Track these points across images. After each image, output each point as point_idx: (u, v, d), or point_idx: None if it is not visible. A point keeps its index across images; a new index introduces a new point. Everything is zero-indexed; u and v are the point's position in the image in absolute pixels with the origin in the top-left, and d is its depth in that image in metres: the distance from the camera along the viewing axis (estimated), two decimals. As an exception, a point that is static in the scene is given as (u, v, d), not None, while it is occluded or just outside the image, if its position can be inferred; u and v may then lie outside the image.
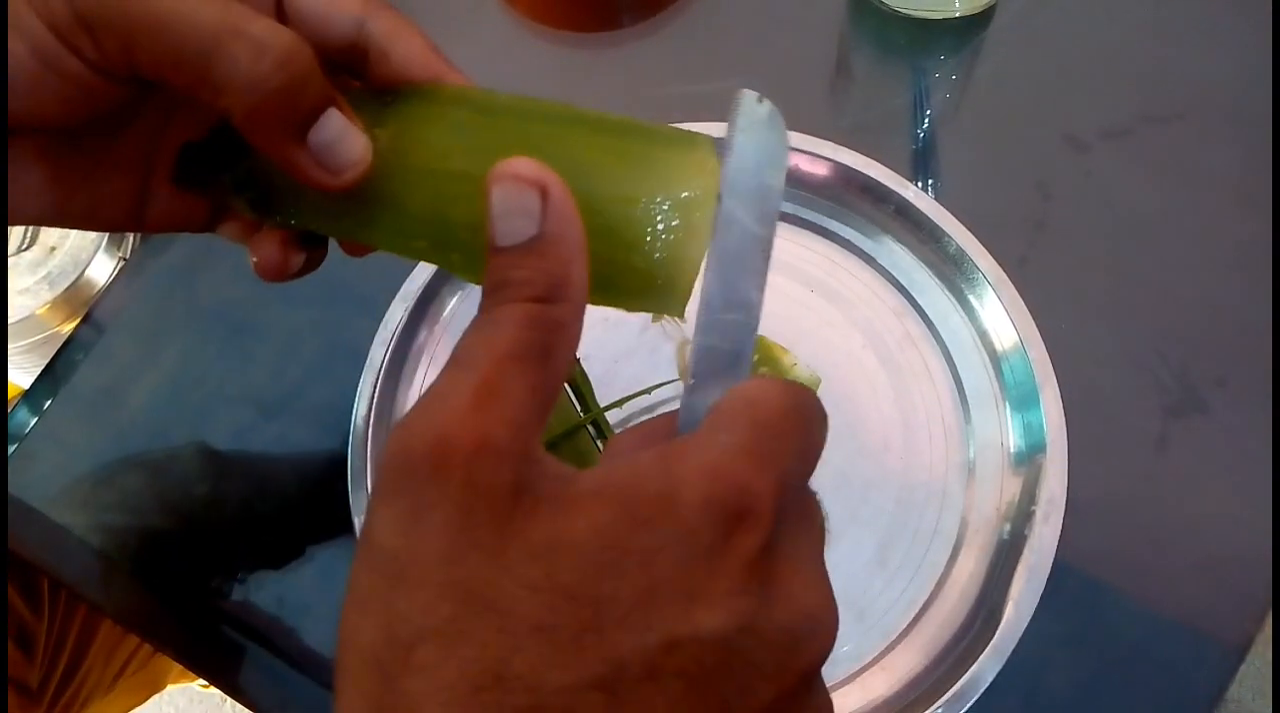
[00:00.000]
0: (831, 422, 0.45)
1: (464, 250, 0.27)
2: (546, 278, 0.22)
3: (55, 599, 0.61)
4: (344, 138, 0.25)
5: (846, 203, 0.50)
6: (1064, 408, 0.44)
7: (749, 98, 0.24)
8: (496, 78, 0.59)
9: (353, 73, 0.29)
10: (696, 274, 0.25)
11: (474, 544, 0.19)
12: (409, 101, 0.28)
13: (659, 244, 0.25)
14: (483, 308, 0.22)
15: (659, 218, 0.25)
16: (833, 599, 0.21)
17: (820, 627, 0.21)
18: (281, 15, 0.27)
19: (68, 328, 0.56)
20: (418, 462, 0.19)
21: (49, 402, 0.52)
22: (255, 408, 0.50)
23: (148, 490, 0.50)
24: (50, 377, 0.53)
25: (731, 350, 0.24)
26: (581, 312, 0.23)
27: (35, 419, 0.51)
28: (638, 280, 0.26)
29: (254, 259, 0.30)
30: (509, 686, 0.18)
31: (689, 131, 0.27)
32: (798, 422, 0.22)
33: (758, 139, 0.23)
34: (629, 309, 0.27)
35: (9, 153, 0.26)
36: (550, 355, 0.21)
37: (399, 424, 0.20)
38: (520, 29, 0.61)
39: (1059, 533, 0.41)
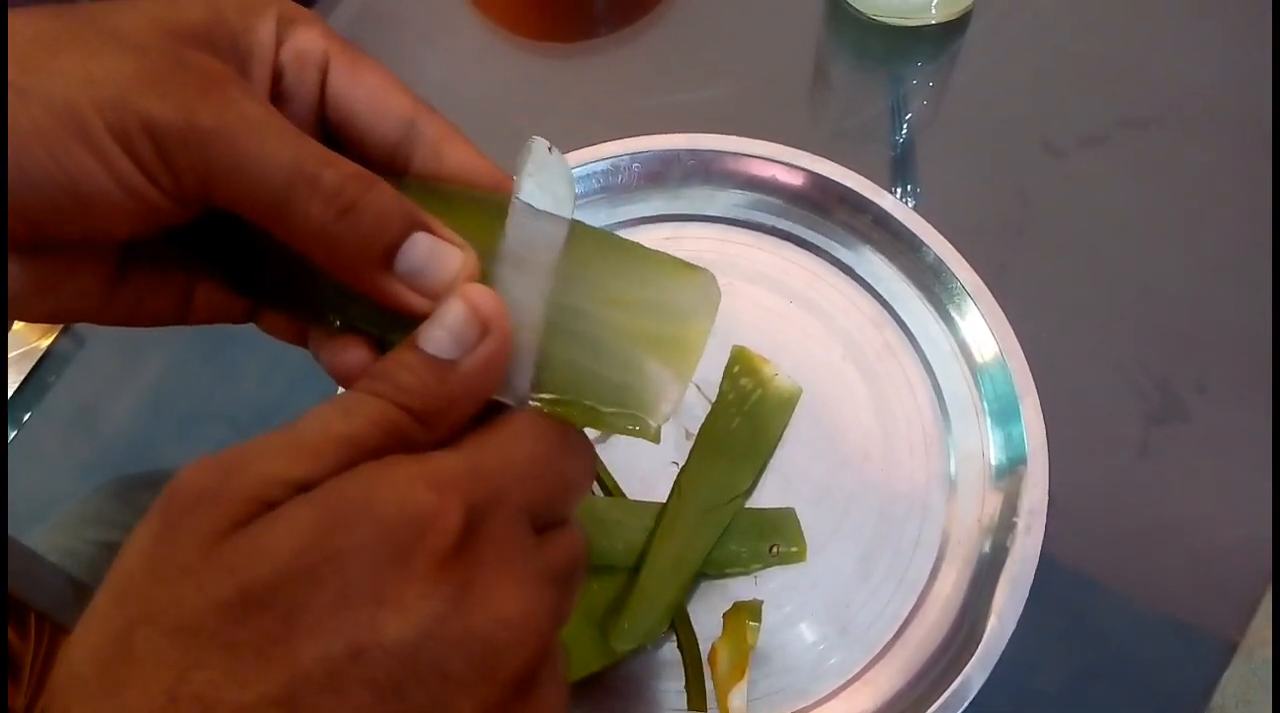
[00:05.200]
0: (812, 433, 0.45)
1: None
2: (429, 400, 0.22)
3: (42, 621, 0.60)
4: (434, 258, 0.24)
5: (824, 213, 0.50)
6: (1045, 416, 0.44)
7: (540, 144, 0.24)
8: (471, 89, 0.59)
9: (386, 172, 0.27)
10: (683, 391, 0.24)
11: (179, 567, 0.19)
12: (450, 205, 0.26)
13: (657, 356, 0.25)
14: (354, 386, 0.22)
15: (662, 332, 0.25)
16: (543, 613, 0.21)
17: (524, 636, 0.20)
18: (321, 113, 0.27)
19: (45, 343, 0.56)
20: (182, 492, 0.19)
21: (27, 415, 0.51)
22: (237, 423, 0.50)
23: (127, 511, 0.49)
24: (27, 391, 0.52)
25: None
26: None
27: (13, 433, 0.51)
28: (620, 395, 0.25)
29: (326, 364, 0.27)
30: (182, 707, 0.17)
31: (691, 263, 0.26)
32: (537, 449, 0.23)
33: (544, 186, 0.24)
34: (606, 429, 0.25)
35: (65, 261, 0.25)
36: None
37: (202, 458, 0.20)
38: (495, 39, 0.61)
39: (1041, 544, 0.41)
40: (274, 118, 0.23)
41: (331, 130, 0.27)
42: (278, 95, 0.26)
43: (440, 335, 0.23)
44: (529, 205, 0.24)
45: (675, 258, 0.26)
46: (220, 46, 0.24)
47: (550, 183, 0.25)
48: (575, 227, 0.26)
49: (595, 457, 0.25)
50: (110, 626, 0.19)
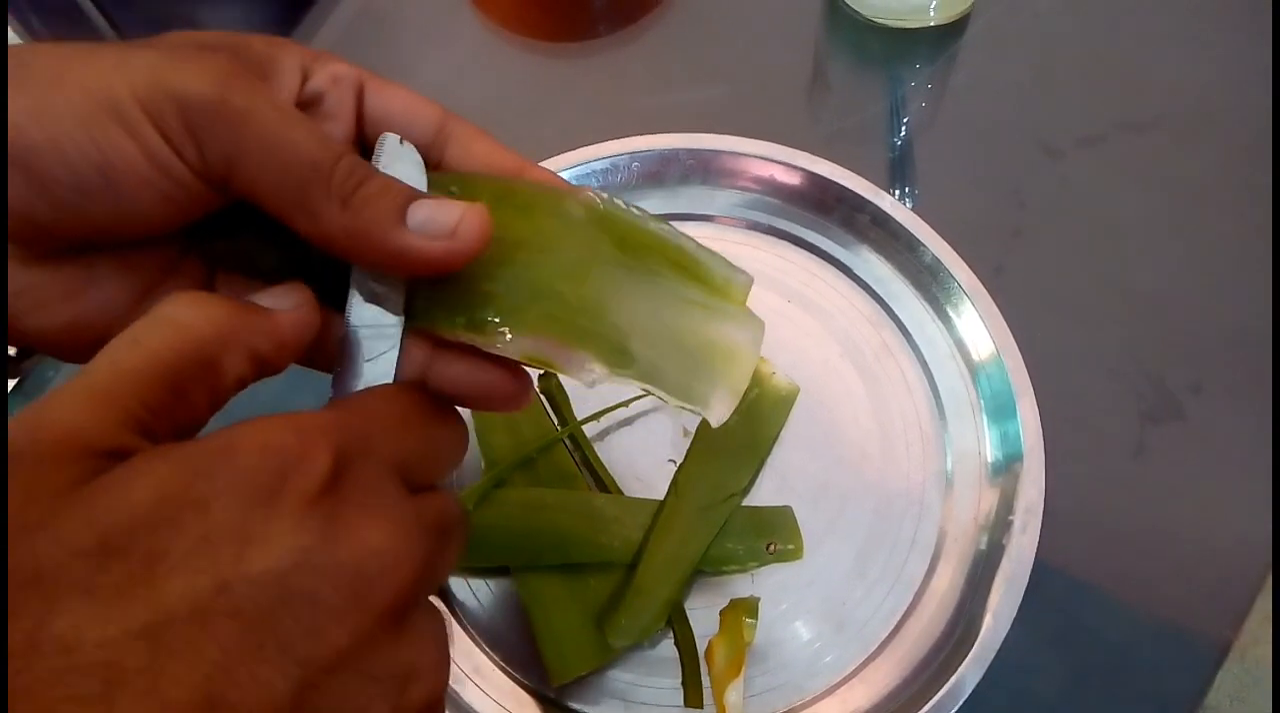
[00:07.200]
0: (809, 432, 0.46)
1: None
2: (238, 322, 0.23)
3: None
4: (439, 206, 0.25)
5: (823, 213, 0.50)
6: (1041, 416, 0.44)
7: (391, 140, 0.27)
8: (471, 88, 0.59)
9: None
10: (737, 399, 0.27)
11: (24, 525, 0.19)
12: (483, 194, 0.27)
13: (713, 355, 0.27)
14: (157, 307, 0.22)
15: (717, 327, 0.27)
16: (415, 551, 0.21)
17: (393, 566, 0.21)
18: (359, 127, 0.28)
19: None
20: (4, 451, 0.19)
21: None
22: (235, 420, 0.50)
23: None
24: (26, 386, 0.52)
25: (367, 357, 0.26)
26: (247, 380, 0.24)
27: (7, 435, 0.51)
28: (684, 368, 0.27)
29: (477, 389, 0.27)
30: (42, 649, 0.17)
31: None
32: (406, 412, 0.24)
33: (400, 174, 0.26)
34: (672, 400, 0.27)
35: (92, 265, 0.26)
36: (188, 390, 0.22)
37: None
38: (496, 38, 0.61)
39: (1037, 543, 0.41)
40: (298, 112, 0.24)
41: (368, 140, 0.29)
42: (320, 115, 0.28)
43: (268, 296, 0.25)
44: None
45: (729, 264, 0.28)
46: (244, 61, 0.26)
47: (407, 171, 0.26)
48: (647, 225, 0.28)
49: (467, 434, 0.26)
50: None
